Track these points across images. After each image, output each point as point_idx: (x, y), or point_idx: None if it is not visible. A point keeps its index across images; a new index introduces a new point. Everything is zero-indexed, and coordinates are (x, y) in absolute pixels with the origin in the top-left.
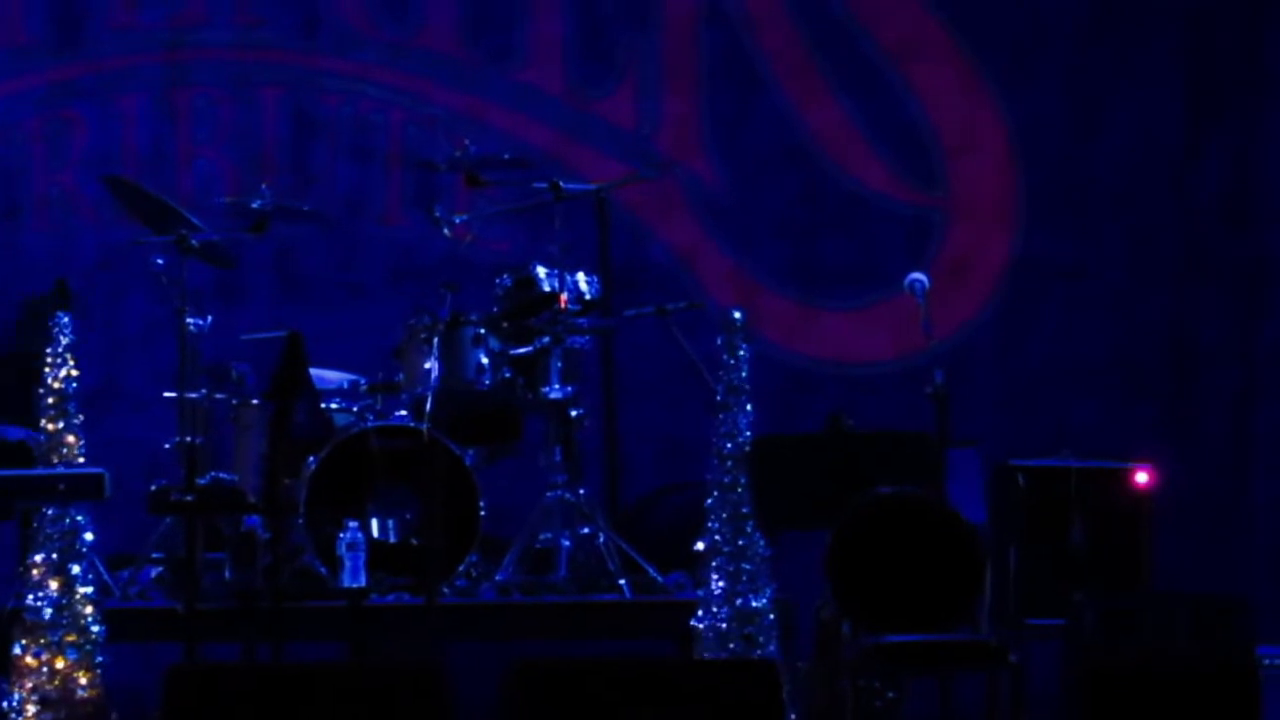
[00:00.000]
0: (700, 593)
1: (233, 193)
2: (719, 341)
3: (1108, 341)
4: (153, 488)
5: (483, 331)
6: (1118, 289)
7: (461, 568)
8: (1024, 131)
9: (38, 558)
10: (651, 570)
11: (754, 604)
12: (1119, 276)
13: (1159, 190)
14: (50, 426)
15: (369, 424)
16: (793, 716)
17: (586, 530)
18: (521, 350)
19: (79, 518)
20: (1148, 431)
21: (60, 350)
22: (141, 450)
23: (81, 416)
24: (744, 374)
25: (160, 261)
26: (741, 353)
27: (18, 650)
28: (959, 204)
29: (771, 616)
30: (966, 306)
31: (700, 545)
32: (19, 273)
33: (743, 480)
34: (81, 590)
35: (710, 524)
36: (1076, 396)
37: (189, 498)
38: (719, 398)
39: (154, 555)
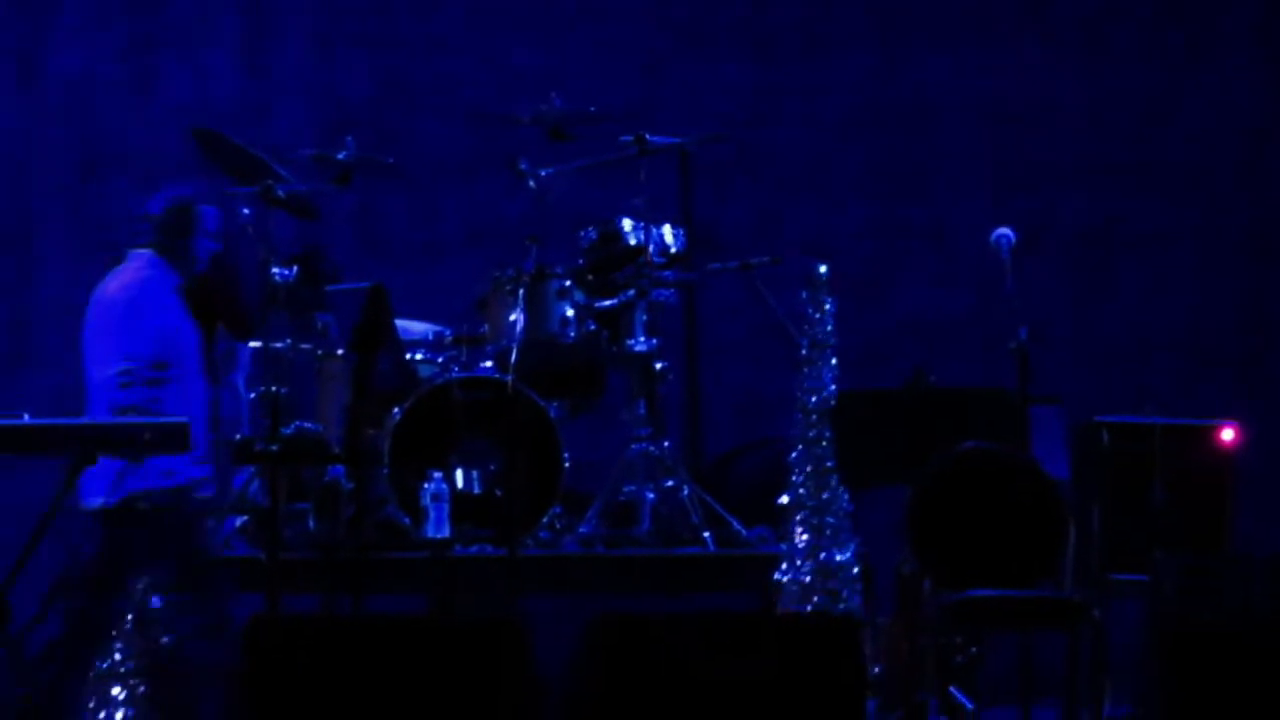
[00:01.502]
0: (783, 547)
1: (315, 147)
2: (802, 296)
3: (1185, 306)
4: (237, 438)
5: (568, 284)
6: (1194, 256)
7: (544, 520)
8: (1103, 101)
9: None
10: (735, 524)
11: (837, 558)
12: (1195, 244)
13: (1235, 161)
14: None
15: (453, 375)
16: (874, 671)
17: (670, 484)
18: (606, 303)
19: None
20: (1224, 395)
21: None
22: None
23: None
24: (828, 328)
25: (246, 212)
26: (826, 307)
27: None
28: (1040, 169)
29: (854, 571)
30: (1049, 266)
31: (784, 499)
32: (102, 226)
33: (826, 435)
34: None
35: (794, 478)
36: (1154, 359)
37: (273, 448)
38: (803, 352)
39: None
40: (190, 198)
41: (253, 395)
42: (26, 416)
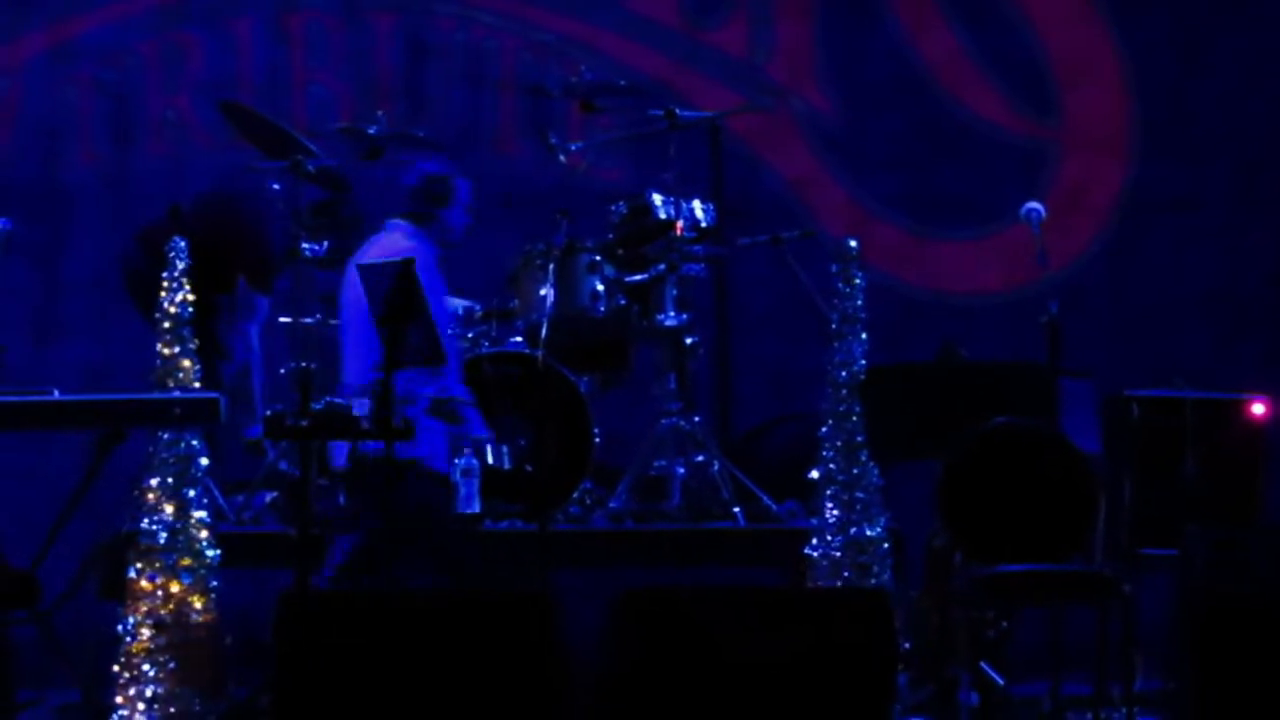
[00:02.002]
0: (814, 521)
1: (347, 119)
2: (833, 270)
3: (1216, 274)
4: (267, 413)
5: (598, 258)
6: (1226, 221)
7: (574, 495)
8: (1136, 63)
9: (153, 481)
10: (765, 498)
11: (867, 533)
12: (1227, 209)
13: (1267, 123)
14: (165, 351)
15: (483, 350)
16: (905, 646)
17: (700, 458)
18: (636, 277)
19: (194, 442)
20: (1256, 364)
21: (175, 275)
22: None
23: (197, 341)
24: (859, 303)
25: (275, 186)
26: (857, 281)
27: (132, 574)
28: (1073, 134)
29: (885, 545)
30: (1079, 237)
31: (814, 474)
32: (132, 197)
33: (857, 410)
34: (196, 515)
35: (824, 453)
36: (1186, 328)
37: (304, 422)
38: (834, 326)
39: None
40: (447, 171)
41: (282, 370)
42: (56, 392)
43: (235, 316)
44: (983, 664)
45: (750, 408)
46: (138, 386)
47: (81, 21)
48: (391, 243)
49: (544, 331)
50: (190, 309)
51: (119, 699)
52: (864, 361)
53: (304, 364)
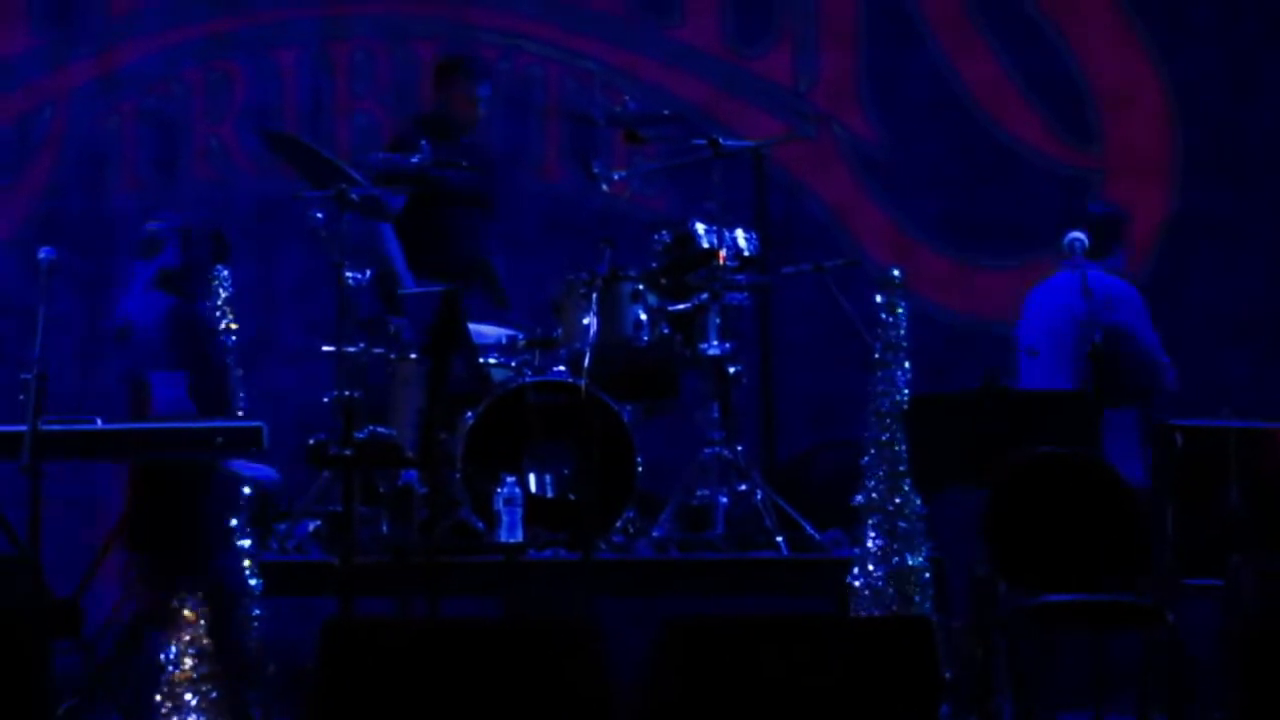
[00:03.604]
0: (857, 550)
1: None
2: (876, 299)
3: (1261, 300)
4: (310, 442)
5: (641, 287)
6: (1271, 249)
7: (618, 524)
8: (1180, 88)
9: None
10: (808, 527)
11: (910, 562)
12: (1272, 236)
13: None
14: None
15: (526, 379)
16: (948, 674)
17: (743, 487)
18: (679, 306)
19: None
20: None
21: (219, 304)
22: (295, 403)
23: (240, 370)
24: (902, 331)
25: (319, 215)
26: (900, 310)
27: (174, 603)
28: (1115, 160)
29: (927, 575)
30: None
31: (857, 502)
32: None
33: (900, 438)
34: (238, 543)
35: (867, 481)
36: (1231, 354)
37: (347, 452)
38: (876, 355)
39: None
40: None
41: (326, 399)
42: (100, 421)
43: None
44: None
45: (793, 436)
46: None
47: (127, 50)
48: None
49: (587, 360)
50: (234, 338)
51: None
52: (907, 390)
53: (346, 393)
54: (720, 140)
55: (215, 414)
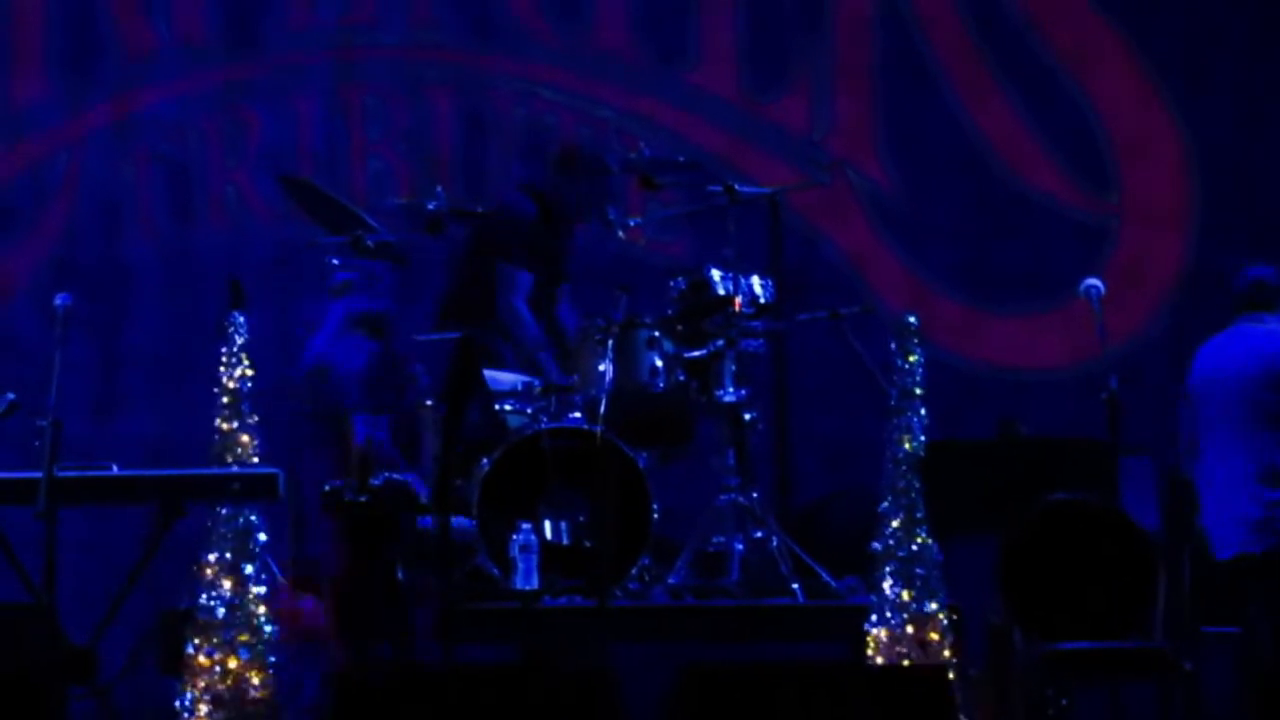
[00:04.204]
0: (873, 597)
1: (406, 192)
2: (892, 346)
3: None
4: (326, 488)
5: (657, 334)
6: None
7: (634, 570)
8: (1198, 138)
9: (211, 557)
10: (824, 574)
11: (927, 609)
12: None
13: None
14: (224, 426)
15: (542, 425)
16: None
17: (759, 534)
18: (695, 353)
19: (252, 517)
20: None
21: (235, 350)
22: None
23: (256, 416)
24: (918, 378)
25: (335, 261)
26: (915, 357)
27: (190, 649)
28: (1133, 209)
29: (945, 622)
30: (1139, 313)
31: (874, 549)
32: (192, 272)
33: (916, 485)
34: (254, 590)
35: (884, 528)
36: None
37: (362, 498)
38: (893, 402)
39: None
40: None
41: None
42: (115, 468)
43: None
44: None
45: (809, 482)
46: (197, 461)
47: (142, 96)
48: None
49: (603, 407)
50: (250, 384)
51: None
52: (923, 437)
53: (361, 441)
54: (736, 187)
55: (412, 459)
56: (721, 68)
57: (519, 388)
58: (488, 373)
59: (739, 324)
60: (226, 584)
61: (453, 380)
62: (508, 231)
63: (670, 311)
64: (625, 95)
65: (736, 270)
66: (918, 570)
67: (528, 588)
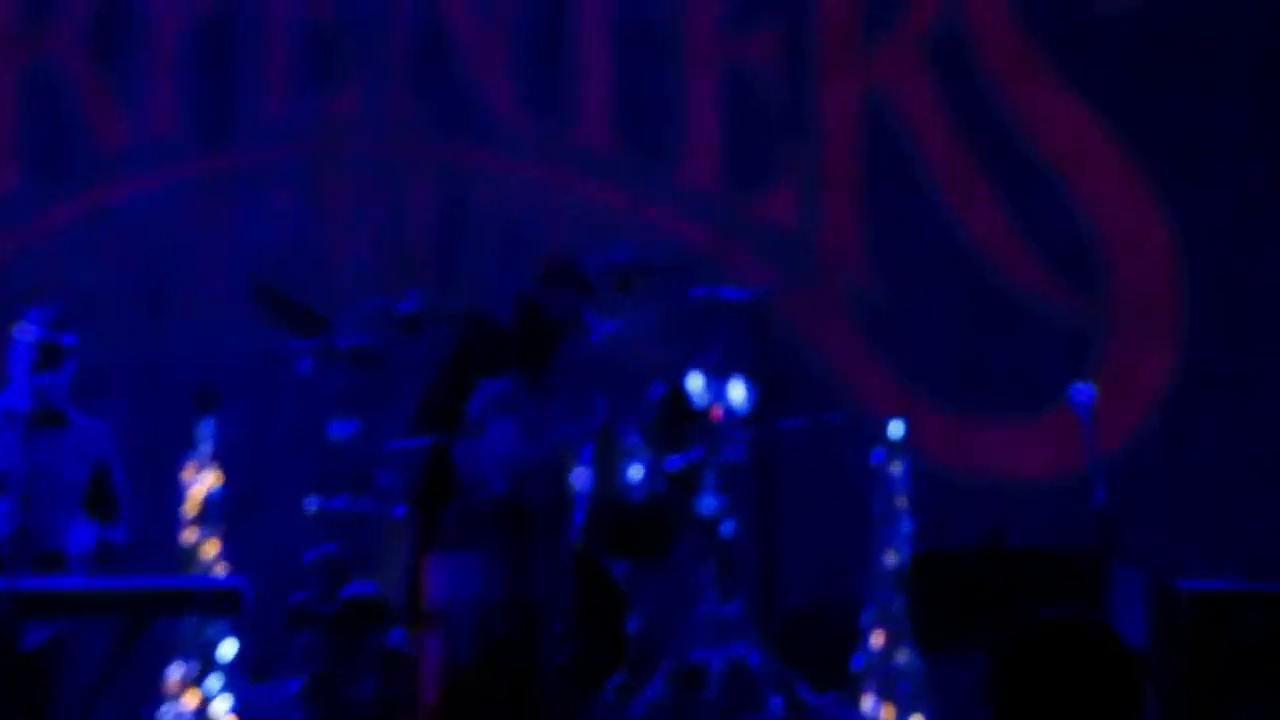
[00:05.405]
0: (855, 714)
1: (382, 289)
2: (878, 454)
3: (1269, 456)
4: (293, 600)
5: (636, 443)
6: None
7: (610, 685)
8: (1188, 240)
9: (174, 670)
10: (804, 691)
11: None
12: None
13: None
14: (189, 536)
15: None
16: None
17: (738, 648)
18: (675, 462)
19: (218, 630)
20: None
21: (204, 457)
22: (284, 558)
23: (223, 525)
24: (903, 487)
25: (307, 363)
26: (900, 465)
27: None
28: (1122, 311)
29: None
30: (1129, 417)
31: (857, 664)
32: (163, 373)
33: (901, 597)
34: (219, 705)
35: (865, 642)
36: (1244, 510)
37: (331, 610)
38: (877, 511)
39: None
40: None
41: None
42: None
43: None
44: None
45: (792, 594)
46: (165, 569)
47: (115, 190)
48: None
49: (581, 516)
50: (217, 493)
51: None
52: (908, 548)
53: (331, 548)
54: (718, 291)
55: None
56: (705, 163)
57: None
58: None
59: (720, 432)
60: (189, 699)
61: (425, 488)
62: (491, 341)
63: (650, 419)
64: (606, 189)
65: (718, 375)
66: (901, 685)
67: None
